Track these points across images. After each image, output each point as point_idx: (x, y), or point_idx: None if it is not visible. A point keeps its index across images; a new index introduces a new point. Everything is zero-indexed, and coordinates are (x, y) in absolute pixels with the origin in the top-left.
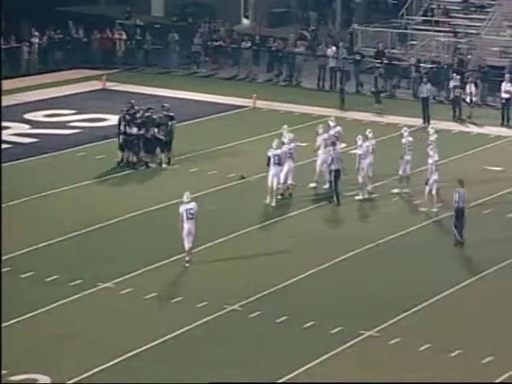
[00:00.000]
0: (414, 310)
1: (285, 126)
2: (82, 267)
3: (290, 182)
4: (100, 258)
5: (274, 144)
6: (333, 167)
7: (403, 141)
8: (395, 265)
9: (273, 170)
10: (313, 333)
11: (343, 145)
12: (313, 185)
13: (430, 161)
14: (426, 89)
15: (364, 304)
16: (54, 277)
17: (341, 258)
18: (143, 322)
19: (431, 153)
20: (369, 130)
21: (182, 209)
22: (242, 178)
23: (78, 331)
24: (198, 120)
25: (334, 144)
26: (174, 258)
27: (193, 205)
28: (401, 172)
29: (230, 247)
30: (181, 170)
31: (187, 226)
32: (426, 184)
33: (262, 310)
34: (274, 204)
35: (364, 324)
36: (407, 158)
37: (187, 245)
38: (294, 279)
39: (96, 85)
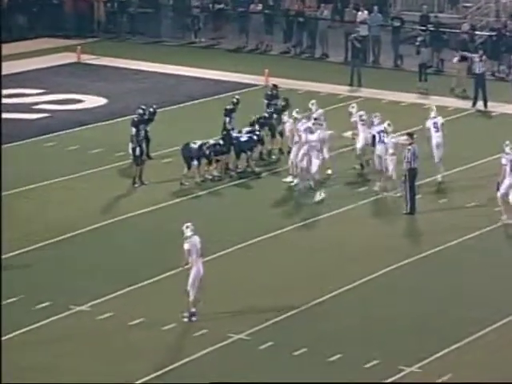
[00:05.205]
0: (466, 340)
1: (297, 109)
2: (51, 286)
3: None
4: (73, 274)
5: (376, 121)
6: (410, 165)
7: (353, 119)
8: (443, 282)
9: (379, 149)
10: (340, 368)
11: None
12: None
13: (504, 161)
14: (481, 63)
15: (404, 332)
16: (16, 298)
17: (375, 275)
18: (125, 354)
19: (507, 149)
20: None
21: (189, 245)
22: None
23: (46, 364)
24: (195, 102)
25: (411, 136)
26: (163, 275)
27: (198, 239)
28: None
29: (234, 260)
30: (175, 163)
31: (197, 267)
32: (498, 189)
33: (275, 339)
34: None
35: (404, 357)
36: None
37: (196, 293)
38: (315, 301)
39: (69, 57)
